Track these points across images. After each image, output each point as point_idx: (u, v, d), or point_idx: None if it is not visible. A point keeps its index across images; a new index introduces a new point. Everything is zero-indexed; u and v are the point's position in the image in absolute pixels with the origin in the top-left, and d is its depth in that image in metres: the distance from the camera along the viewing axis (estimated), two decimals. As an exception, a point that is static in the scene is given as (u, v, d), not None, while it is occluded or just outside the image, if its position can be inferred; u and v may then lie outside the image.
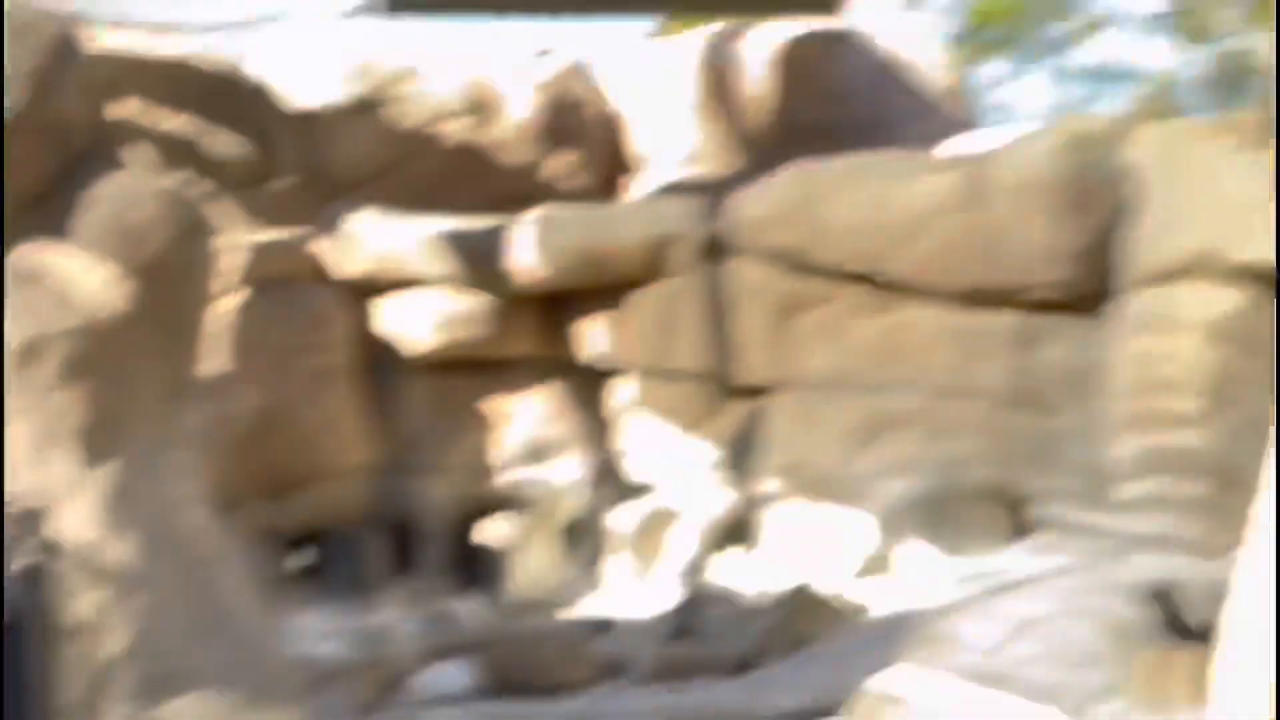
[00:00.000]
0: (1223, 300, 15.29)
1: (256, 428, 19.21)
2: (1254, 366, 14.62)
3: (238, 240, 19.85)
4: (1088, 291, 16.67)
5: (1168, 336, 15.52)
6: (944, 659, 10.16)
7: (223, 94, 22.46)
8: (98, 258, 9.68)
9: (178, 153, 22.25)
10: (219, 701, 9.65)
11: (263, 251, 19.87)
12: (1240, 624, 4.27)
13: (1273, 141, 5.82)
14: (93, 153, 10.58)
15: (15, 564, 5.81)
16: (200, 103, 22.06)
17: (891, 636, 11.56)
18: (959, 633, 10.67)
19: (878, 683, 10.13)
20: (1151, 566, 14.26)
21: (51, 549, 9.03)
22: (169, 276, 9.88)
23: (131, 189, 10.05)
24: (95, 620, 9.25)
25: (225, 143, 22.53)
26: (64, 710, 9.13)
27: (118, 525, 9.36)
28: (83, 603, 9.22)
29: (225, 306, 18.83)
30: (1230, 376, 15.07)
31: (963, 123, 24.40)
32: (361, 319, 21.01)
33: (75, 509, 9.26)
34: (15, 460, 9.24)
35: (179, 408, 9.99)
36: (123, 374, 9.59)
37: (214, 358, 17.98)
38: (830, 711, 10.66)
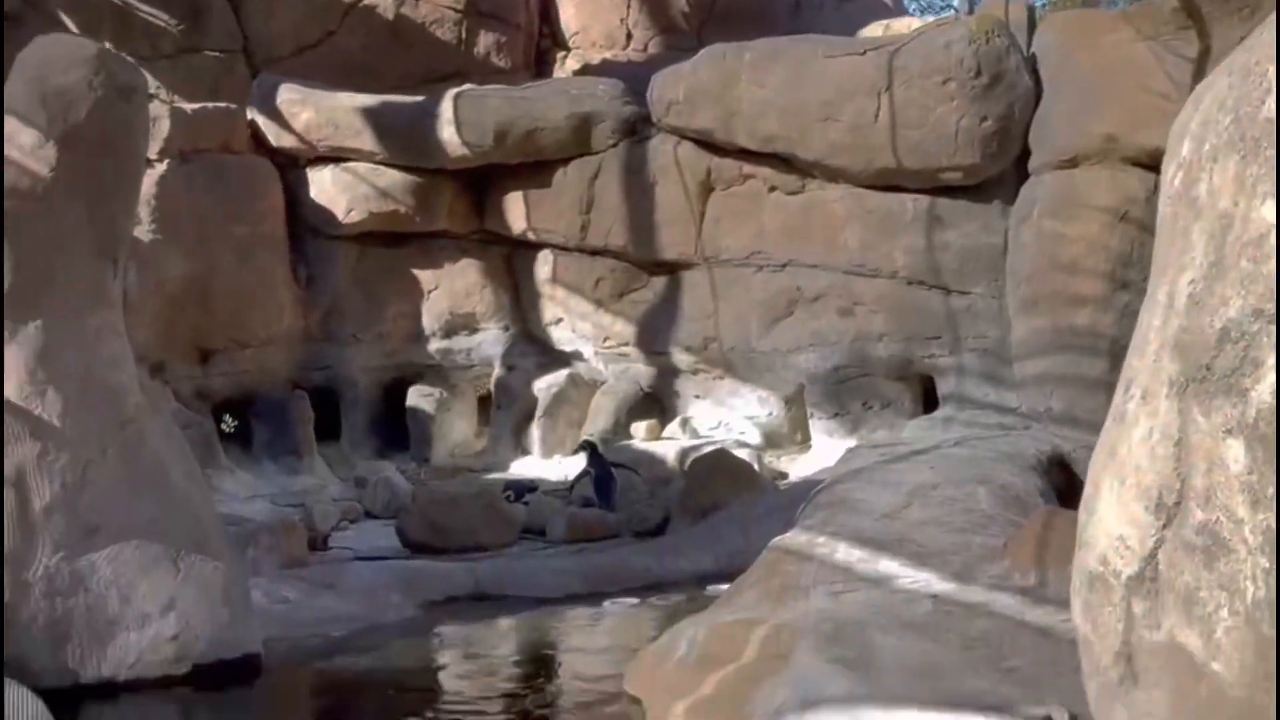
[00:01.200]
0: (1125, 185, 15.72)
1: (185, 293, 19.44)
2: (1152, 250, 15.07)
3: (168, 109, 19.91)
4: (995, 175, 17.10)
5: (1072, 220, 15.95)
6: (841, 523, 10.60)
7: (153, -37, 22.40)
8: (25, 121, 9.79)
9: (109, 20, 22.23)
10: (147, 553, 10.01)
11: (193, 121, 19.97)
12: (1102, 475, 4.70)
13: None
14: (22, 17, 10.66)
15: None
16: (131, -30, 22.01)
17: (794, 503, 11.99)
18: (857, 499, 11.11)
19: (778, 546, 10.57)
20: (1049, 440, 14.80)
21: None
22: (97, 141, 10.00)
23: (60, 54, 10.14)
24: (21, 475, 9.55)
25: (156, 12, 22.48)
26: (-4, 557, 9.48)
27: (45, 382, 9.60)
28: (10, 459, 9.52)
29: (155, 174, 18.90)
30: (1131, 259, 15.52)
31: (881, 9, 24.70)
32: (289, 190, 21.19)
33: (3, 366, 9.48)
34: (-53, 318, 9.45)
35: (106, 270, 10.14)
36: (49, 236, 9.74)
37: (143, 223, 18.13)
38: (734, 573, 11.10)
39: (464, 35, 23.13)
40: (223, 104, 20.92)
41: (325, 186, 21.10)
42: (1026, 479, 12.12)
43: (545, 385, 20.72)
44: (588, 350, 20.71)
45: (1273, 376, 4.12)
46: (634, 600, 13.06)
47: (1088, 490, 4.92)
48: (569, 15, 24.45)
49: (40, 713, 7.17)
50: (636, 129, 19.85)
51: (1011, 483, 11.67)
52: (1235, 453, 4.20)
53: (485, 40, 23.26)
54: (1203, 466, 4.30)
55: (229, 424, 20.30)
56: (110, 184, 10.20)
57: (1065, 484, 13.35)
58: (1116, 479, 4.64)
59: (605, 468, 16.51)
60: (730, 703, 7.69)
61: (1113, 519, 4.62)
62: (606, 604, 12.96)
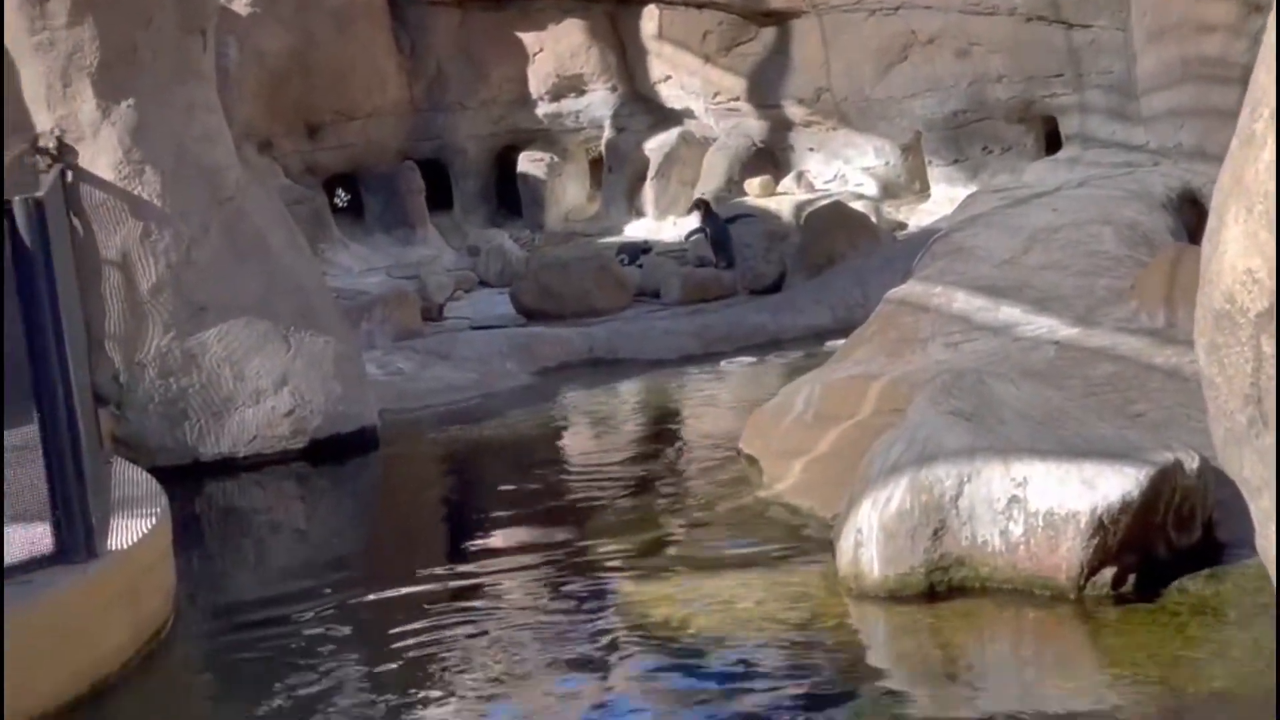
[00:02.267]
0: (1257, -97, 14.84)
1: (287, 66, 19.17)
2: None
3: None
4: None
5: (1199, -58, 15.14)
6: (960, 272, 10.28)
7: None
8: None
9: None
10: (256, 329, 10.00)
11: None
12: (1227, 203, 4.35)
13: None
14: None
15: (45, 195, 5.97)
16: None
17: (912, 254, 11.68)
18: (976, 245, 10.76)
19: (894, 298, 10.30)
20: (1179, 176, 14.26)
21: (77, 185, 9.22)
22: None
23: None
24: (126, 255, 9.51)
25: None
26: (103, 343, 9.51)
27: (141, 161, 9.49)
28: (115, 238, 9.48)
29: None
30: (1263, -18, 14.73)
31: None
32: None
33: (97, 146, 9.38)
34: (35, 99, 9.33)
35: (195, 44, 9.95)
36: (134, 12, 9.55)
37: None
38: (852, 328, 10.88)
39: None
40: None
41: (422, -50, 20.63)
42: (1155, 217, 11.64)
43: (656, 145, 20.36)
44: (698, 107, 20.29)
45: None
46: (751, 359, 12.92)
47: (1211, 222, 4.56)
48: None
49: (154, 490, 7.19)
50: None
51: (1139, 221, 11.21)
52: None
53: None
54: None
55: (341, 198, 20.26)
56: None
57: (1196, 222, 12.84)
58: (1244, 207, 4.27)
59: (720, 225, 16.23)
60: (847, 459, 7.53)
61: (1240, 251, 4.26)
62: (723, 364, 12.84)
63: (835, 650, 5.95)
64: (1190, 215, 13.39)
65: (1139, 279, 9.31)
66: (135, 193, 9.48)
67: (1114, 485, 6.02)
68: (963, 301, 9.78)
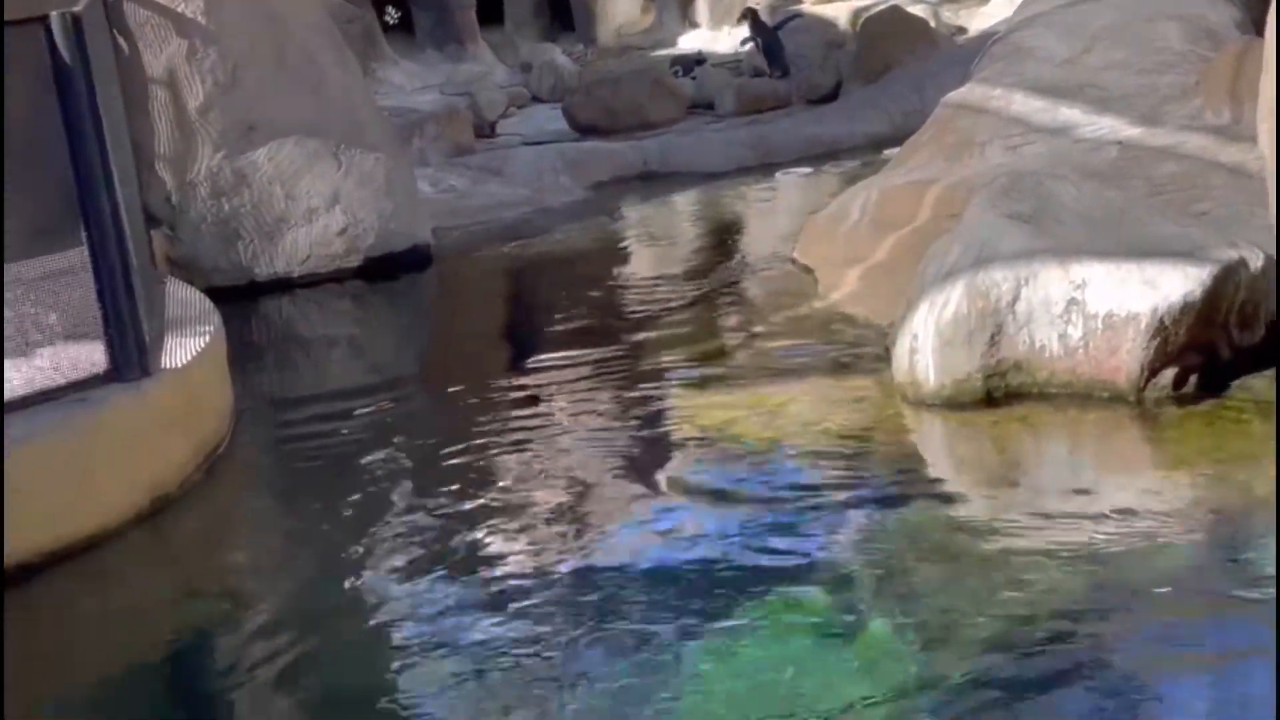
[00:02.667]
0: None
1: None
2: None
3: None
4: None
5: None
6: (1019, 73, 10.04)
7: None
8: None
9: None
10: (306, 148, 9.92)
11: None
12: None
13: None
14: None
15: (83, 9, 5.85)
16: None
17: (972, 58, 11.42)
18: (1036, 46, 10.49)
19: (952, 102, 10.09)
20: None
21: (120, 3, 9.11)
22: None
23: None
24: (172, 74, 9.43)
25: None
26: (153, 164, 9.47)
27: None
28: (160, 57, 9.39)
29: None
30: None
31: None
32: None
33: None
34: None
35: None
36: None
37: None
38: (910, 135, 10.69)
39: None
40: None
41: None
42: (1220, 11, 11.26)
43: (708, -49, 19.99)
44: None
45: None
46: (807, 169, 12.75)
47: (1275, 9, 4.39)
48: None
49: (208, 310, 7.18)
50: None
51: (1204, 15, 10.85)
52: None
53: None
54: None
55: (391, 15, 20.02)
56: None
57: (1262, 14, 12.50)
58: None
59: (769, 34, 15.93)
60: (904, 266, 7.42)
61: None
62: (779, 175, 12.69)
63: (890, 457, 5.92)
64: (1258, 9, 12.97)
65: (1204, 75, 9.05)
66: (179, 10, 9.37)
67: (1176, 284, 5.90)
68: (1021, 103, 9.56)
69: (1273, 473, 5.08)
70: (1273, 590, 4.32)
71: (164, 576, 5.56)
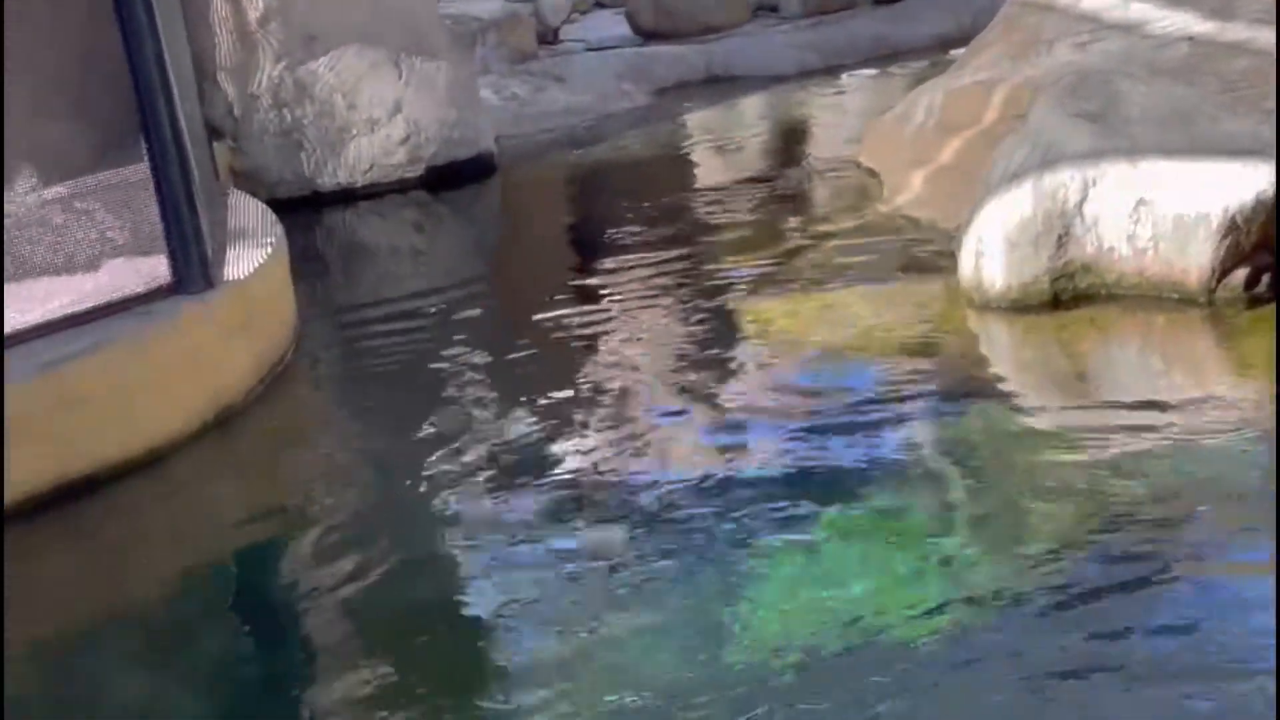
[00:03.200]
0: None
1: None
2: None
3: None
4: None
5: None
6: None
7: None
8: None
9: None
10: (366, 57, 9.88)
11: None
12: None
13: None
14: None
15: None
16: None
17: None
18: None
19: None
20: None
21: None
22: None
23: None
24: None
25: None
26: (215, 75, 9.47)
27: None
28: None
29: None
30: None
31: None
32: None
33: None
34: None
35: None
36: None
37: None
38: (976, 34, 10.53)
39: None
40: None
41: None
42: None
43: None
44: None
45: None
46: (873, 71, 12.58)
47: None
48: None
49: (271, 221, 7.19)
50: None
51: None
52: None
53: None
54: None
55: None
56: None
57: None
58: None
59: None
60: (970, 169, 7.33)
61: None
62: (844, 77, 12.52)
63: (958, 360, 5.89)
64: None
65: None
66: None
67: (1248, 183, 5.79)
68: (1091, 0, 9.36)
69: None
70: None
71: (230, 488, 5.61)
